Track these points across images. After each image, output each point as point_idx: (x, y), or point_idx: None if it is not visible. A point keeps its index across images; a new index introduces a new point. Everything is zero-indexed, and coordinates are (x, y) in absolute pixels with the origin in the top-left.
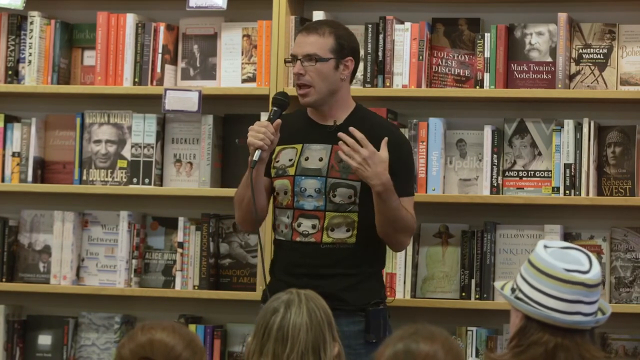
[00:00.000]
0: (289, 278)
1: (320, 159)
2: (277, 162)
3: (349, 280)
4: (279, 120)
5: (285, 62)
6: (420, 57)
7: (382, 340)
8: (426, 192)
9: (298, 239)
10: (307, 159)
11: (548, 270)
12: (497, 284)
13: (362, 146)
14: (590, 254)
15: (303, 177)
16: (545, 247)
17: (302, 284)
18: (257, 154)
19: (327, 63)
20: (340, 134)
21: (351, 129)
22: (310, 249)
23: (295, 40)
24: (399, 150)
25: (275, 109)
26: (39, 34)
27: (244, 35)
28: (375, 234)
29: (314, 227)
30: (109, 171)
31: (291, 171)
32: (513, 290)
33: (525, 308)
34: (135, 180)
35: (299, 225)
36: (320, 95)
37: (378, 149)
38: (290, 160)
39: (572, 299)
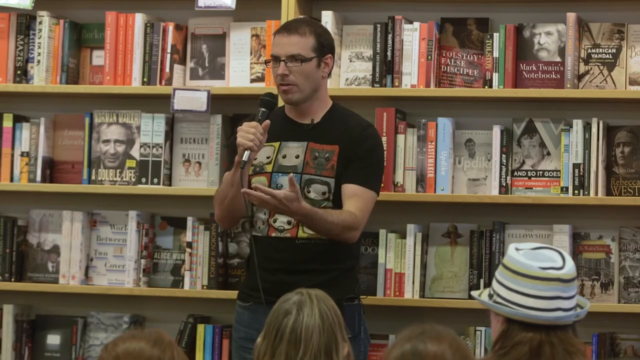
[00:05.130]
0: (265, 273)
1: (297, 156)
2: (255, 159)
3: (324, 276)
4: (267, 121)
5: (266, 63)
6: (429, 57)
7: (356, 336)
8: (435, 192)
9: (274, 234)
10: (284, 156)
11: (523, 270)
12: (475, 293)
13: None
14: (562, 251)
15: (280, 174)
16: (517, 249)
17: (276, 280)
18: (246, 154)
19: (310, 62)
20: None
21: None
22: (285, 244)
23: (274, 41)
24: (367, 142)
25: (263, 109)
26: (48, 33)
27: (252, 35)
28: None
29: (289, 222)
30: (118, 171)
31: (268, 168)
32: (490, 295)
33: (506, 311)
34: (144, 180)
35: (274, 221)
36: (304, 94)
37: (350, 144)
38: (268, 157)
39: (550, 295)
